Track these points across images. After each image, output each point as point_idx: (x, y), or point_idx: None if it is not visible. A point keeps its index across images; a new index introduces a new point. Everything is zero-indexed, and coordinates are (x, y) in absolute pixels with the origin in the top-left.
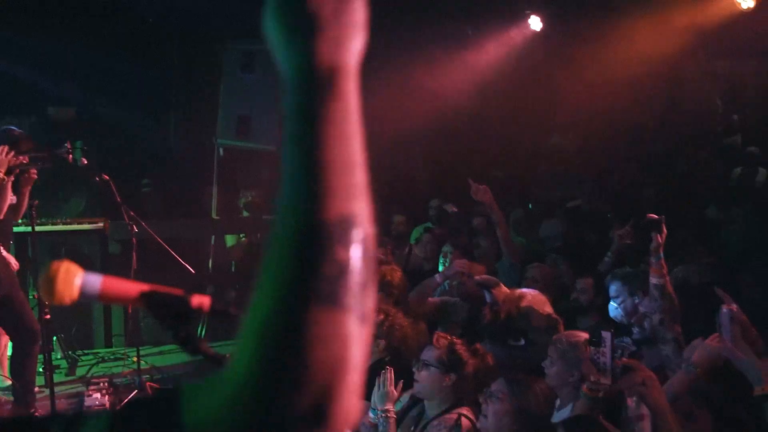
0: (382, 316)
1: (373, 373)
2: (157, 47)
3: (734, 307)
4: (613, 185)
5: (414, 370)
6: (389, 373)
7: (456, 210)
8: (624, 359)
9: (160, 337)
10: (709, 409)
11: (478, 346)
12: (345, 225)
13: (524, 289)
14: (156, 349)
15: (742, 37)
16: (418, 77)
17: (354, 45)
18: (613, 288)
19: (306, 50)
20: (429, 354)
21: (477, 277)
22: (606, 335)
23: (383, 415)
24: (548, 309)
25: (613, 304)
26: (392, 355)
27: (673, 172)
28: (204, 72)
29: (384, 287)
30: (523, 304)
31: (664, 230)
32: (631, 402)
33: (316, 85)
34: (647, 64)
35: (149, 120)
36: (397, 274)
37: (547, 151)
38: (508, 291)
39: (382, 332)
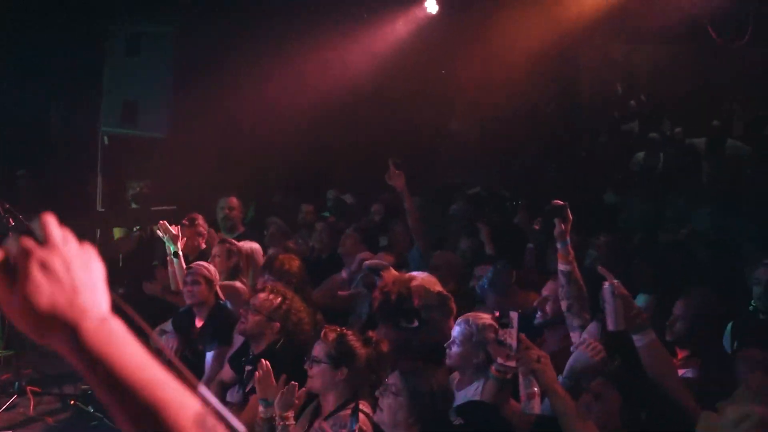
0: (279, 299)
1: (267, 357)
2: (35, 28)
3: (615, 282)
4: (513, 170)
5: (306, 366)
6: (265, 367)
7: (353, 200)
8: (522, 335)
9: None
10: (619, 390)
11: (371, 334)
12: None
13: (414, 272)
14: (36, 353)
15: (638, 21)
16: (314, 62)
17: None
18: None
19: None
20: (318, 349)
21: (367, 262)
22: (513, 315)
23: (282, 422)
24: (439, 288)
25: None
26: (286, 339)
27: (573, 157)
28: (86, 55)
29: (282, 275)
30: (413, 284)
31: (569, 216)
32: (522, 380)
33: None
34: (545, 48)
35: (26, 106)
36: (294, 263)
37: (447, 136)
38: (397, 273)
39: (278, 315)
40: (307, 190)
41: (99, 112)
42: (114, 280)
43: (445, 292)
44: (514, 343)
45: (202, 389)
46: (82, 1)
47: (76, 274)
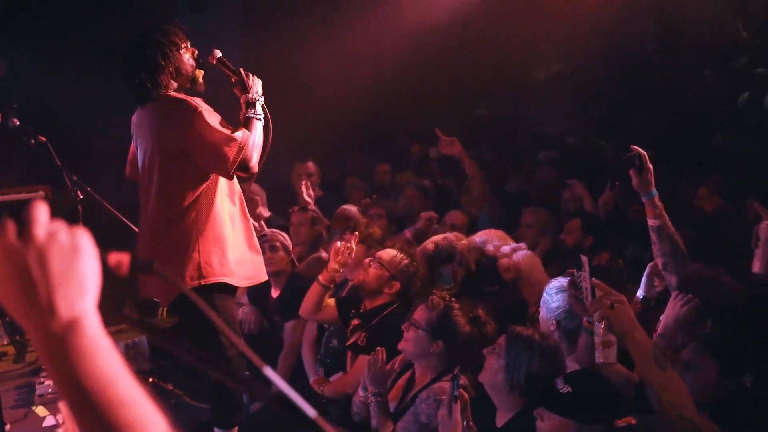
0: (407, 260)
1: (377, 316)
2: None
3: None
4: (607, 116)
5: (403, 327)
6: (381, 354)
7: (437, 155)
8: (594, 279)
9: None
10: (715, 357)
11: (480, 312)
12: None
13: (479, 233)
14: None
15: None
16: (392, 14)
17: (87, 297)
18: None
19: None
20: (420, 313)
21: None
22: (584, 259)
23: (375, 399)
24: (509, 241)
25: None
26: (401, 303)
27: (675, 98)
28: (153, 13)
29: (366, 239)
30: (489, 251)
31: (648, 165)
32: (598, 327)
33: (60, 335)
34: None
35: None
36: (376, 229)
37: (534, 84)
38: (466, 241)
39: (402, 275)
40: (382, 149)
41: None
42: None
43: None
44: (588, 285)
45: (268, 372)
46: None
47: (50, 268)
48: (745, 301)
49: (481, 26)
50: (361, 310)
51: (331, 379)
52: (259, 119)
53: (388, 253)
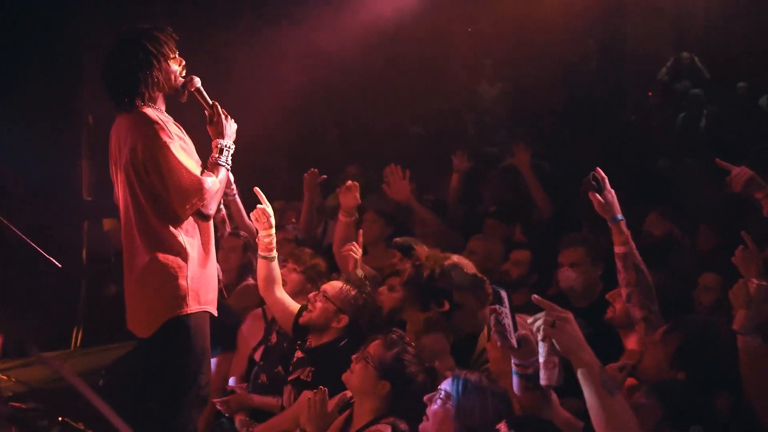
0: (355, 291)
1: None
2: None
3: None
4: (551, 138)
5: (353, 357)
6: (323, 395)
7: None
8: (535, 296)
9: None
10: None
11: (437, 364)
12: None
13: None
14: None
15: None
16: (324, 21)
17: None
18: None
19: None
20: (374, 348)
21: (396, 239)
22: (503, 293)
23: None
24: (474, 270)
25: (572, 274)
26: (351, 339)
27: (618, 120)
28: (62, 25)
29: (307, 271)
30: (447, 263)
31: (608, 187)
32: (542, 347)
33: None
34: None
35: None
36: (320, 261)
37: (475, 103)
38: (430, 250)
39: (351, 308)
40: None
41: (81, 88)
42: (106, 276)
43: (480, 275)
44: (510, 321)
45: None
46: None
47: None
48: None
49: (419, 41)
50: (307, 345)
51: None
52: (227, 168)
53: (334, 286)
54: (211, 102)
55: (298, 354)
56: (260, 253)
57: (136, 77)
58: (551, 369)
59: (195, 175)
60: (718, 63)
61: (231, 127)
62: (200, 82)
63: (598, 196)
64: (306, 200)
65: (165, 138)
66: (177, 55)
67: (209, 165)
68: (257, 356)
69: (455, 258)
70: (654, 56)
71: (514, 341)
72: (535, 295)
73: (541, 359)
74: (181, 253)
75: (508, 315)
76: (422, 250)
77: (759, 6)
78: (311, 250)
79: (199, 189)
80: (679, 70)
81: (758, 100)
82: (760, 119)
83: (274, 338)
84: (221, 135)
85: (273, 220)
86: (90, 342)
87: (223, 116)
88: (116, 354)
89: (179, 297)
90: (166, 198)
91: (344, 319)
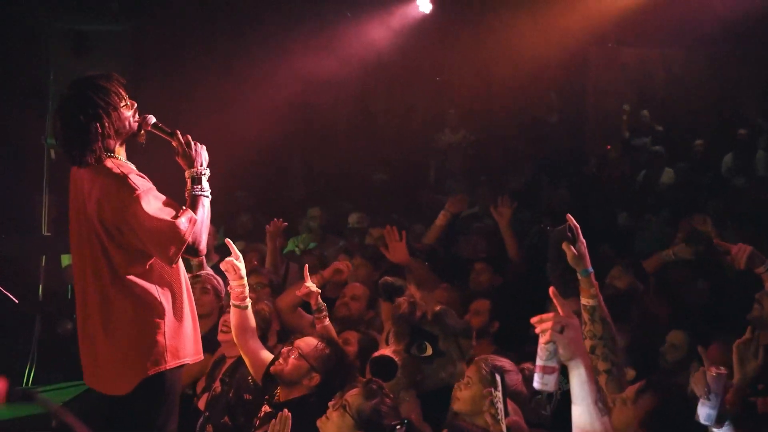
0: (329, 349)
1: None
2: None
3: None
4: (512, 187)
5: (330, 403)
6: (287, 420)
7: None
8: (552, 289)
9: None
10: None
11: (413, 416)
12: None
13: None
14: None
15: (651, 23)
16: (288, 67)
17: None
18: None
19: None
20: (353, 397)
21: (385, 278)
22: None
23: None
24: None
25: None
26: (318, 396)
27: (580, 174)
28: (28, 56)
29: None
30: (439, 307)
31: (581, 238)
32: (542, 350)
33: None
34: (548, 51)
35: None
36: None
37: (437, 150)
38: (420, 293)
39: (323, 367)
40: (274, 211)
41: (44, 122)
42: (62, 313)
43: (469, 324)
44: (500, 406)
45: None
46: None
47: None
48: None
49: (384, 88)
50: (276, 400)
51: None
52: (207, 196)
53: (308, 343)
54: (172, 132)
55: (266, 408)
56: (233, 302)
57: (86, 135)
58: (550, 374)
59: (168, 222)
60: (676, 120)
61: (202, 152)
62: (154, 118)
63: (572, 247)
64: (269, 248)
65: (131, 191)
66: (127, 100)
67: (187, 198)
68: (201, 405)
69: (443, 305)
70: (615, 111)
71: (503, 427)
72: (553, 288)
73: (539, 362)
74: (157, 307)
75: (501, 399)
76: (414, 290)
77: (719, 66)
78: (254, 294)
79: (177, 234)
80: (638, 127)
81: (714, 158)
82: (716, 177)
83: (218, 387)
84: (191, 164)
85: (243, 271)
86: (43, 379)
87: (190, 144)
88: (70, 393)
89: (156, 354)
90: (149, 251)
91: (316, 378)
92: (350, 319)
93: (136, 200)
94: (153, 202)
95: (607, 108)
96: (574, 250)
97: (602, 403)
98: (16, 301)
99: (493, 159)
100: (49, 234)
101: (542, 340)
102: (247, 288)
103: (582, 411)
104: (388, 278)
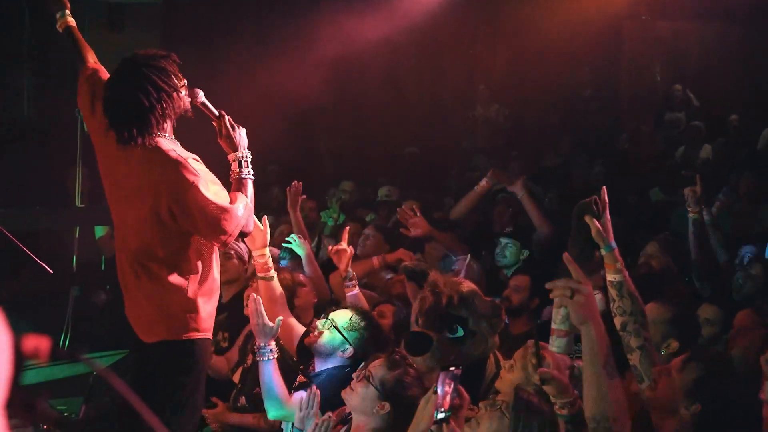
0: (364, 322)
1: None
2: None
3: None
4: (545, 164)
5: (354, 375)
6: (316, 396)
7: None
8: (566, 255)
9: None
10: None
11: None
12: None
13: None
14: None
15: None
16: (318, 42)
17: None
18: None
19: None
20: (376, 368)
21: (406, 262)
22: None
23: None
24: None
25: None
26: (353, 366)
27: (612, 149)
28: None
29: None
30: (465, 289)
31: (607, 214)
32: (556, 315)
33: None
34: (582, 25)
35: None
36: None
37: (469, 125)
38: (444, 277)
39: (356, 339)
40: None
41: (77, 95)
42: (96, 284)
43: (497, 302)
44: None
45: None
46: None
47: None
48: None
49: (414, 62)
50: (310, 370)
51: None
52: (252, 178)
53: (343, 316)
54: (218, 113)
55: (301, 379)
56: (258, 274)
57: (145, 115)
58: (562, 337)
59: (226, 207)
60: (710, 94)
61: (243, 136)
62: (203, 95)
63: (595, 221)
64: (292, 219)
65: (190, 177)
66: (184, 80)
67: (233, 182)
68: (236, 378)
69: (469, 283)
70: (648, 86)
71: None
72: (567, 254)
73: (552, 325)
74: (194, 278)
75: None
76: (436, 276)
77: (753, 39)
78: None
79: (235, 220)
80: (671, 102)
81: (749, 133)
82: (751, 152)
83: (249, 359)
84: (235, 147)
85: (267, 239)
86: (77, 349)
87: (234, 126)
88: (104, 363)
89: (188, 320)
90: (202, 234)
91: (350, 351)
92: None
93: (195, 187)
94: (211, 187)
95: (640, 83)
96: (598, 225)
97: (611, 366)
98: (51, 272)
99: (525, 134)
100: (82, 206)
101: (555, 304)
102: (270, 259)
103: (591, 373)
104: (408, 264)
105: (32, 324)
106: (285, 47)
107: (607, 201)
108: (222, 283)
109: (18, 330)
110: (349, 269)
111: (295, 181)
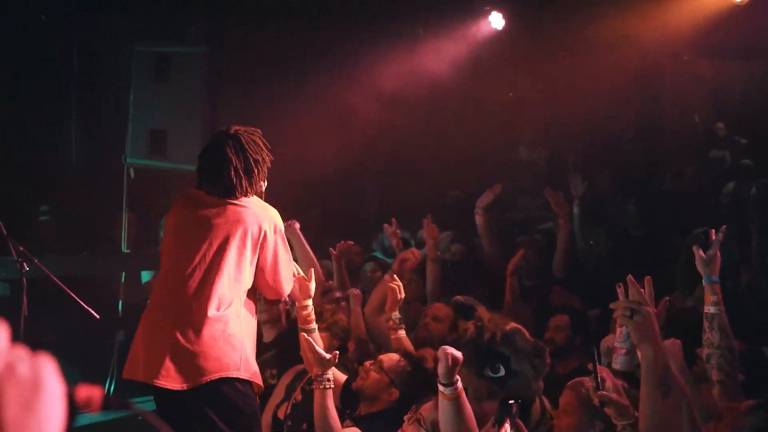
0: (410, 367)
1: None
2: (53, 48)
3: None
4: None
5: (405, 418)
6: None
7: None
8: (630, 277)
9: None
10: None
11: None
12: None
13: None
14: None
15: (731, 34)
16: (362, 86)
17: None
18: None
19: None
20: (428, 413)
21: (458, 297)
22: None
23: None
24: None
25: None
26: (398, 408)
27: (655, 188)
28: (110, 78)
29: (331, 327)
30: (509, 327)
31: (716, 249)
32: (620, 332)
33: None
34: (623, 66)
35: (43, 134)
36: (341, 316)
37: (511, 167)
38: (490, 314)
39: (402, 381)
40: (353, 230)
41: (124, 143)
42: None
43: (541, 344)
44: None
45: None
46: (105, 20)
47: (4, 414)
48: None
49: (456, 105)
50: (356, 414)
51: None
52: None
53: (391, 358)
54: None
55: (348, 423)
56: (300, 326)
57: (255, 174)
58: (623, 355)
59: (288, 279)
60: (754, 133)
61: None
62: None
63: (701, 251)
64: (335, 268)
65: (281, 234)
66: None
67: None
68: (281, 414)
69: (515, 324)
70: (691, 124)
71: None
72: (630, 276)
73: (615, 343)
74: (246, 322)
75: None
76: (483, 312)
77: None
78: (331, 306)
79: (287, 288)
80: (714, 141)
81: None
82: None
83: (299, 395)
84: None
85: (312, 291)
86: (122, 395)
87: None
88: (149, 408)
89: (237, 361)
90: (258, 282)
91: (395, 393)
92: (431, 339)
93: (283, 241)
94: (288, 251)
95: (682, 122)
96: (702, 254)
97: (667, 386)
98: (97, 318)
99: (564, 175)
100: (128, 251)
101: (617, 323)
102: (313, 311)
103: (646, 392)
104: (459, 297)
105: (78, 369)
106: (328, 91)
107: (720, 238)
108: (263, 323)
109: (66, 376)
110: (396, 313)
111: (344, 241)
